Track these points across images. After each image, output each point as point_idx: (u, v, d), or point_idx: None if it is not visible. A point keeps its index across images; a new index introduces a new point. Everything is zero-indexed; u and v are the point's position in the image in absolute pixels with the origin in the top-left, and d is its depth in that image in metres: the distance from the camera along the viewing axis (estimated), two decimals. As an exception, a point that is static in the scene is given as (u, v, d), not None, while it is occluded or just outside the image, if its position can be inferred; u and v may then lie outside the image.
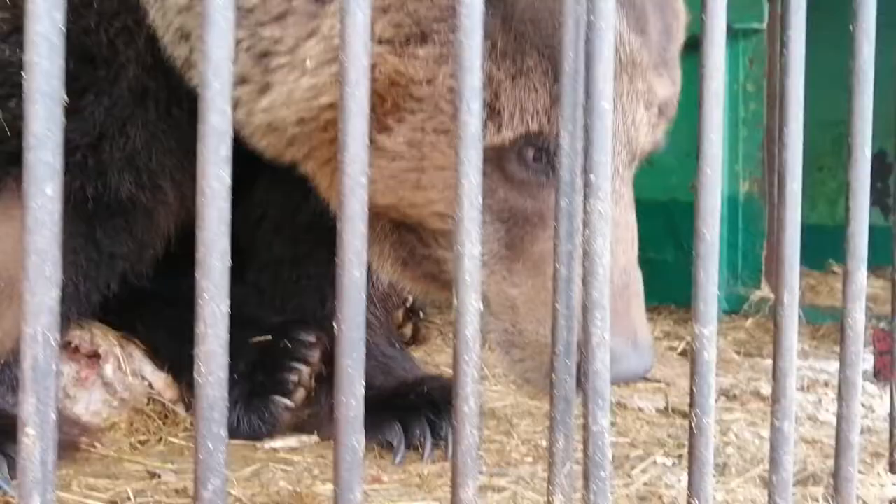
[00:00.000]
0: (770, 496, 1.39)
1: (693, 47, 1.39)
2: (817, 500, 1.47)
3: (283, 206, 2.02)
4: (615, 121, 1.36)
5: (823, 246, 1.61)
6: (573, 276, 1.22)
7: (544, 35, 1.32)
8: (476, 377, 1.13)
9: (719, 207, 1.29)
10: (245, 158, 1.64)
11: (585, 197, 1.19)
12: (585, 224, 1.19)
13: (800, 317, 3.68)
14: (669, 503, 1.50)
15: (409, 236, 1.46)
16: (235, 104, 1.46)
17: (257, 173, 1.93)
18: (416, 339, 2.64)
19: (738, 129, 3.83)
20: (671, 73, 1.49)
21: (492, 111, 1.31)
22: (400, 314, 2.58)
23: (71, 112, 1.64)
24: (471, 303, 1.13)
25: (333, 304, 1.02)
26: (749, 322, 3.30)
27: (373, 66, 1.26)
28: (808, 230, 1.57)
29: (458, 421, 1.12)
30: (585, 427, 1.18)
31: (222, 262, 0.95)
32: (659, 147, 1.55)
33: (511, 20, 1.31)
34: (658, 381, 2.42)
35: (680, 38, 1.59)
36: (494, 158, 1.34)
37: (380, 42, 1.28)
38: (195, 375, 0.96)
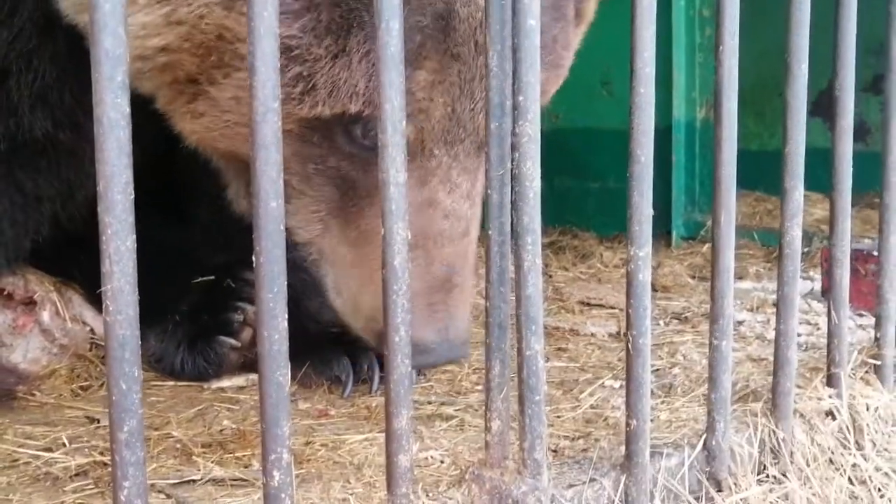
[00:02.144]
0: (709, 413, 1.41)
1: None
2: (756, 416, 1.49)
3: None
4: (462, 105, 1.32)
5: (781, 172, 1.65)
6: (505, 202, 1.19)
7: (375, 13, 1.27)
8: (406, 307, 1.11)
9: (653, 128, 1.26)
10: None
11: (514, 120, 1.16)
12: (514, 147, 1.16)
13: (754, 239, 3.70)
14: (613, 424, 1.52)
15: None
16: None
17: None
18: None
19: (695, 54, 3.78)
20: (547, 58, 1.39)
21: (306, 85, 1.25)
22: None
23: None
24: (398, 231, 1.10)
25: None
26: (705, 248, 3.32)
27: (201, 17, 1.25)
28: (767, 156, 1.55)
29: (389, 350, 1.11)
30: (519, 352, 1.17)
31: (125, 195, 0.91)
32: None
33: None
34: (612, 308, 2.43)
35: (586, 17, 1.54)
36: (321, 129, 1.30)
37: None
38: (104, 315, 0.93)
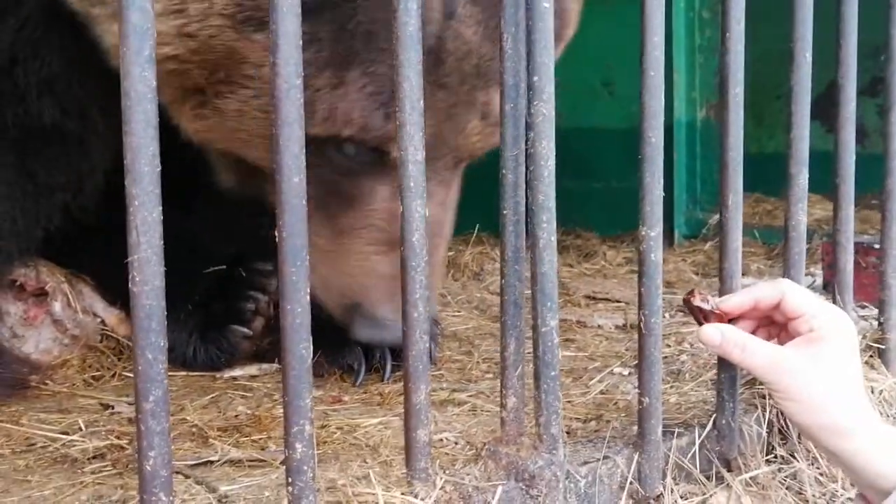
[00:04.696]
0: (718, 393, 1.43)
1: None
2: (764, 397, 1.51)
3: None
4: (446, 127, 1.44)
5: (782, 173, 1.67)
6: (519, 182, 1.21)
7: (373, 51, 1.34)
8: (424, 283, 1.12)
9: (662, 111, 1.29)
10: None
11: (529, 100, 1.18)
12: (529, 127, 1.18)
13: (755, 237, 3.74)
14: (624, 406, 1.53)
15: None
16: (94, 21, 1.43)
17: None
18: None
19: (695, 55, 3.82)
20: None
21: (308, 107, 1.36)
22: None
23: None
24: (416, 209, 1.12)
25: None
26: (708, 245, 3.35)
27: (211, 36, 1.31)
28: (765, 158, 1.58)
29: (407, 327, 1.12)
30: (534, 329, 1.19)
31: (151, 166, 0.93)
32: (491, 148, 1.59)
33: (344, 32, 1.33)
34: (618, 301, 2.45)
35: (562, 41, 1.61)
36: (314, 143, 1.42)
37: (221, 15, 1.30)
38: (130, 286, 0.95)
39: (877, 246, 2.06)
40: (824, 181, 1.68)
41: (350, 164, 1.48)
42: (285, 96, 1.01)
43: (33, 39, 1.59)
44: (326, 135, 1.39)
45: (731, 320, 1.31)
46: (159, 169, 0.93)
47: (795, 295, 1.25)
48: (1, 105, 1.59)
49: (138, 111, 0.92)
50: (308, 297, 1.03)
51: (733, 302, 1.30)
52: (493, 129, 1.52)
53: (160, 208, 0.94)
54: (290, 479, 1.02)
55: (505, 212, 1.21)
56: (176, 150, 2.03)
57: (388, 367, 1.73)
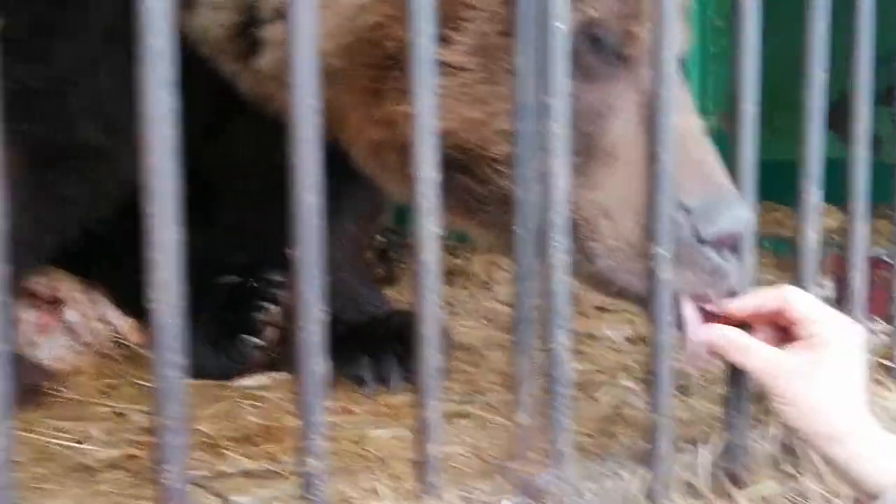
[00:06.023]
0: (726, 410, 1.43)
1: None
2: (772, 413, 1.51)
3: (259, 146, 1.95)
4: (672, 27, 1.30)
5: (794, 182, 1.66)
6: (532, 200, 1.22)
7: None
8: (436, 301, 1.14)
9: (673, 128, 1.29)
10: (218, 103, 1.60)
11: (542, 119, 1.19)
12: (542, 146, 1.19)
13: (766, 248, 3.73)
14: (632, 421, 1.54)
15: (463, 178, 1.32)
16: (261, 48, 1.36)
17: (231, 115, 1.88)
18: (388, 279, 2.64)
19: (707, 64, 3.82)
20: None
21: None
22: (372, 255, 2.59)
23: (34, 57, 1.56)
24: (429, 227, 1.13)
25: None
26: (718, 254, 3.33)
27: None
28: (777, 166, 1.58)
29: (420, 344, 1.13)
30: (546, 346, 1.20)
31: (170, 186, 0.94)
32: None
33: None
34: (628, 312, 2.45)
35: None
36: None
37: None
38: (149, 304, 0.96)
39: (887, 258, 2.06)
40: (836, 191, 1.67)
41: (598, 67, 1.31)
42: (302, 116, 1.02)
43: (89, 60, 1.59)
44: (572, 24, 1.20)
45: (743, 327, 1.31)
46: (179, 188, 0.94)
47: (799, 300, 1.25)
48: (44, 124, 1.57)
49: (156, 131, 0.93)
50: (322, 314, 1.04)
51: (737, 305, 1.29)
52: (686, 26, 1.44)
53: (179, 228, 0.95)
54: (303, 494, 1.04)
55: (518, 230, 1.22)
56: (195, 162, 2.05)
57: (397, 378, 1.74)
